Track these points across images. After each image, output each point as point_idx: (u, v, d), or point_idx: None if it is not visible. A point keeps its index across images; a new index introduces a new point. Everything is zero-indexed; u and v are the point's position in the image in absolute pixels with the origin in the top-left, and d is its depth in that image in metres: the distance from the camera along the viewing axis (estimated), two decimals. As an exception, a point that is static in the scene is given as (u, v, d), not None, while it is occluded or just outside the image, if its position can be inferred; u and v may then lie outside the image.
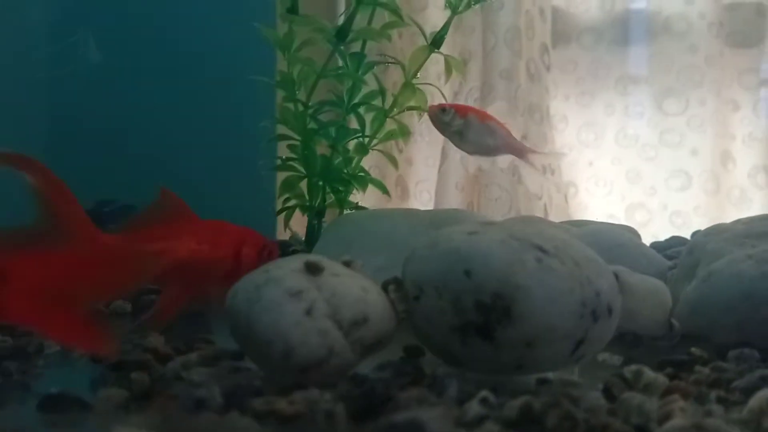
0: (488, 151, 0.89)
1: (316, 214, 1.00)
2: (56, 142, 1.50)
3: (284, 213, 1.02)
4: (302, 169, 0.99)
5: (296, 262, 0.62)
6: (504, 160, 1.84)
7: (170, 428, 0.46)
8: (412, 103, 1.00)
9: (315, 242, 0.99)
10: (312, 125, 0.96)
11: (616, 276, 0.73)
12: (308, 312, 0.59)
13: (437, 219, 0.91)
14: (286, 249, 1.02)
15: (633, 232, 1.29)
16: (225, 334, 0.75)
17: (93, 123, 1.47)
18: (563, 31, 2.09)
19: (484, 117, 0.90)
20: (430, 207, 1.99)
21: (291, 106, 0.96)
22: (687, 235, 1.96)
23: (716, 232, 0.84)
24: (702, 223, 1.98)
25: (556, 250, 0.60)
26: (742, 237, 0.79)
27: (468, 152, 0.91)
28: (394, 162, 1.03)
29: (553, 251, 0.60)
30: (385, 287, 0.66)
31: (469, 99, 1.97)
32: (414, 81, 1.00)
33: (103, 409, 0.53)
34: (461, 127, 0.88)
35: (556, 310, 0.58)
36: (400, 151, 2.05)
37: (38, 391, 0.58)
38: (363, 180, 1.00)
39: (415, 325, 0.64)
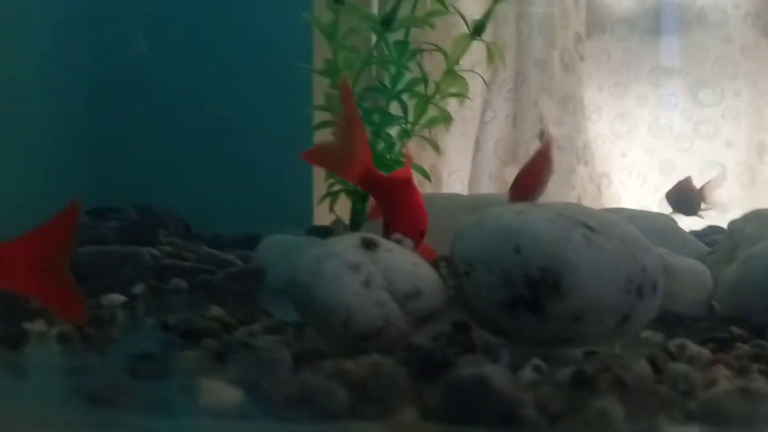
0: None
1: (359, 199, 1.04)
2: (99, 130, 1.53)
3: (328, 198, 1.06)
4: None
5: (353, 238, 0.66)
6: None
7: (249, 383, 0.50)
8: (453, 90, 1.03)
9: (359, 227, 1.03)
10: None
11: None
12: (366, 284, 0.62)
13: (476, 203, 0.94)
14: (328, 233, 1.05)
15: (670, 219, 1.31)
16: (280, 311, 0.80)
17: (134, 113, 1.50)
18: (597, 21, 2.09)
19: None
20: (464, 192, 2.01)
21: (336, 93, 0.99)
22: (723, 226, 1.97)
23: (755, 216, 0.86)
24: (737, 216, 1.98)
25: (602, 228, 0.63)
26: (782, 220, 0.81)
27: None
28: (436, 148, 1.06)
29: (599, 229, 0.63)
30: (435, 264, 0.69)
31: (502, 89, 1.98)
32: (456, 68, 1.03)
33: (184, 367, 0.58)
34: None
35: (603, 285, 0.61)
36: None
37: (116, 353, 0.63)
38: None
39: (465, 300, 0.67)
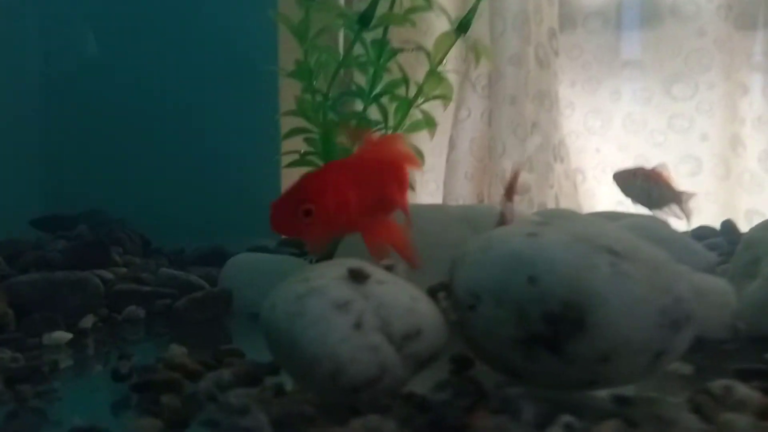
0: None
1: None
2: (54, 137, 1.43)
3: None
4: (320, 163, 0.93)
5: (337, 268, 0.56)
6: (515, 144, 1.80)
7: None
8: (437, 92, 0.94)
9: (338, 241, 0.93)
10: (331, 117, 0.90)
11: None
12: (357, 326, 0.53)
13: (470, 215, 0.85)
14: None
15: (662, 222, 1.25)
16: (251, 346, 0.70)
17: (91, 118, 1.39)
18: (569, 16, 2.04)
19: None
20: (438, 197, 1.94)
21: (309, 97, 0.89)
22: (699, 223, 1.93)
23: (772, 225, 0.79)
24: (713, 209, 1.95)
25: (628, 252, 0.55)
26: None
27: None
28: (419, 154, 0.97)
29: (625, 254, 0.54)
30: (432, 294, 0.60)
31: (476, 86, 1.92)
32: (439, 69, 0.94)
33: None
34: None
35: (634, 321, 0.52)
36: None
37: (58, 420, 0.52)
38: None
39: (469, 336, 0.58)
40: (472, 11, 0.96)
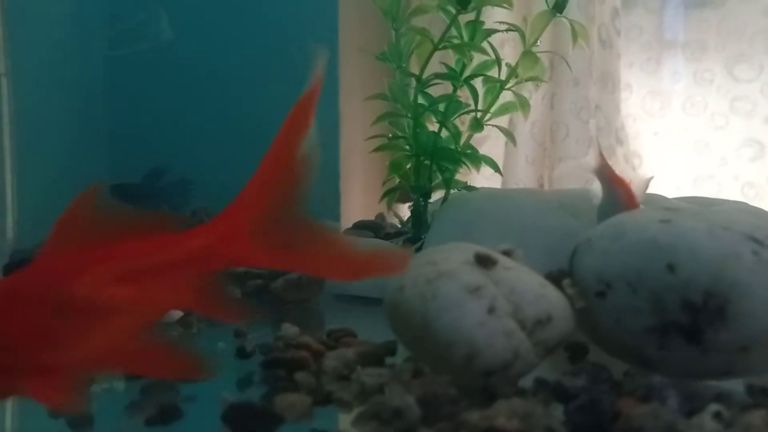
0: None
1: (423, 195, 0.94)
2: (123, 117, 1.44)
3: (387, 196, 0.96)
4: (407, 148, 0.92)
5: (462, 252, 0.56)
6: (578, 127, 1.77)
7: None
8: (532, 74, 0.93)
9: (423, 224, 0.93)
10: (421, 100, 0.89)
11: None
12: (491, 311, 0.53)
13: (567, 200, 0.84)
14: (395, 233, 0.96)
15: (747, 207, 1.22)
16: (357, 326, 0.70)
17: (155, 102, 1.40)
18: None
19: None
20: (496, 182, 1.92)
21: (398, 80, 0.89)
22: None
23: None
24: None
25: None
26: None
27: None
28: (511, 138, 0.95)
29: (766, 242, 0.53)
30: (554, 280, 0.59)
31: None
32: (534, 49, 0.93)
33: (295, 418, 0.48)
34: None
35: (776, 310, 0.51)
36: (462, 123, 1.98)
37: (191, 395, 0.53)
38: (475, 158, 0.93)
39: (595, 324, 0.58)
40: (567, -8, 0.94)
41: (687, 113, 2.00)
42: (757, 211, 0.88)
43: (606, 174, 0.84)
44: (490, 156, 1.93)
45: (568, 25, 0.92)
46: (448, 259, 0.55)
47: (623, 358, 0.59)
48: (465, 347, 0.52)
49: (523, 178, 1.86)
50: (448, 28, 0.86)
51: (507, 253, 0.61)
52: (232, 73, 1.41)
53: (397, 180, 0.94)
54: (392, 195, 0.95)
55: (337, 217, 1.36)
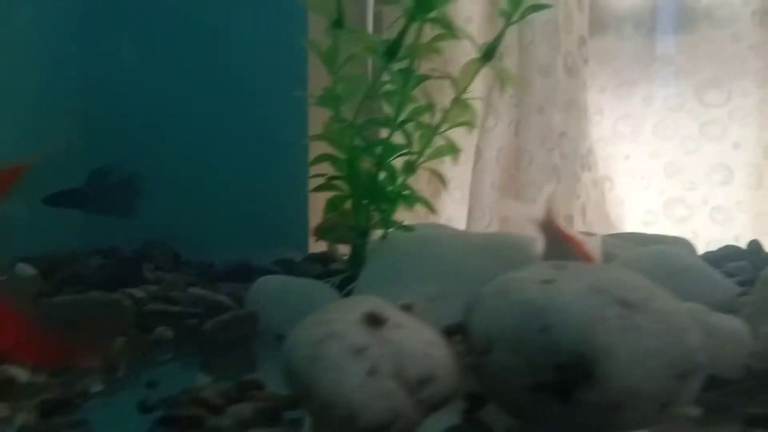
0: None
1: (360, 234, 0.96)
2: (87, 142, 1.46)
3: (322, 234, 0.98)
4: (346, 188, 0.95)
5: (356, 311, 0.58)
6: (542, 155, 1.80)
7: None
8: (462, 119, 0.95)
9: (361, 263, 0.95)
10: (357, 143, 0.92)
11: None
12: (371, 372, 0.55)
13: (491, 243, 0.86)
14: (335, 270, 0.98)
15: (686, 246, 1.24)
16: (274, 373, 0.72)
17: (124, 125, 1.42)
18: (600, 20, 2.02)
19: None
20: (463, 206, 1.94)
21: (336, 123, 0.92)
22: (730, 233, 1.91)
23: (793, 262, 0.78)
24: (744, 219, 1.93)
25: (642, 302, 0.56)
26: (823, 269, 0.74)
27: None
28: (442, 181, 0.98)
29: (638, 304, 0.56)
30: (448, 333, 0.62)
31: (505, 95, 1.92)
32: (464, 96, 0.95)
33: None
34: None
35: (643, 373, 0.54)
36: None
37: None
38: (410, 198, 0.95)
39: (484, 380, 0.60)
40: (498, 39, 0.97)
41: (658, 137, 2.02)
42: (671, 253, 0.90)
43: (552, 230, 0.85)
44: (459, 179, 1.97)
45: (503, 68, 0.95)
46: (339, 320, 0.58)
47: (509, 413, 0.61)
48: (344, 409, 0.54)
49: (489, 204, 1.89)
50: (378, 77, 0.89)
51: (407, 308, 0.64)
52: (205, 113, 1.44)
53: (333, 219, 0.96)
54: (328, 234, 0.97)
55: (305, 248, 1.39)
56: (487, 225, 1.88)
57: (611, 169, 2.07)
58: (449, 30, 0.89)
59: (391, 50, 0.85)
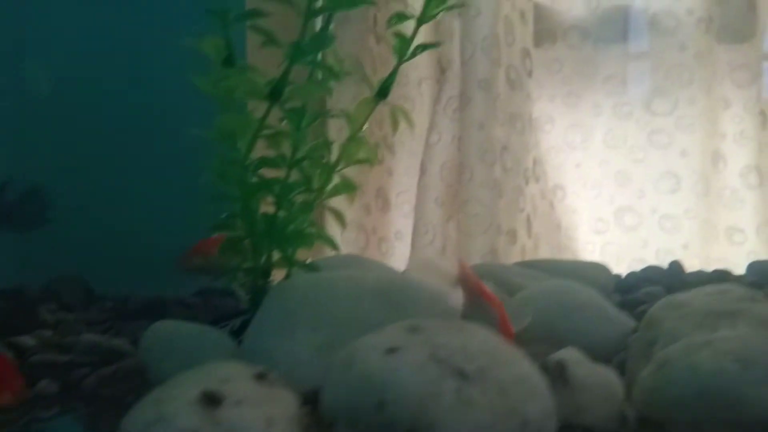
0: None
1: (261, 275, 0.95)
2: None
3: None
4: (243, 229, 0.93)
5: (194, 389, 0.57)
6: (483, 170, 1.79)
7: None
8: (360, 156, 0.94)
9: (258, 303, 0.94)
10: (253, 181, 0.91)
11: (563, 367, 0.68)
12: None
13: (383, 286, 0.85)
14: (232, 309, 0.96)
15: (602, 271, 1.24)
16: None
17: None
18: (548, 30, 2.02)
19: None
20: (411, 219, 1.93)
21: (228, 163, 0.90)
22: (679, 241, 1.91)
23: (676, 305, 0.78)
24: (692, 227, 1.93)
25: (481, 372, 0.55)
26: (701, 315, 0.73)
27: None
28: (341, 221, 0.97)
29: (475, 375, 0.55)
30: (306, 402, 0.60)
31: (447, 109, 1.91)
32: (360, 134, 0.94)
33: None
34: None
35: (477, 447, 0.53)
36: (381, 162, 1.99)
37: None
38: (309, 238, 0.94)
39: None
40: (390, 78, 0.95)
41: (608, 146, 2.02)
42: (568, 289, 0.90)
43: (470, 285, 0.84)
44: (408, 192, 1.96)
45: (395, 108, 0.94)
46: (174, 398, 0.56)
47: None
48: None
49: (433, 218, 1.88)
50: (264, 117, 0.88)
51: (261, 376, 0.62)
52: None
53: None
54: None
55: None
56: (431, 241, 1.88)
57: (563, 178, 2.07)
58: (331, 73, 0.88)
59: (273, 94, 0.83)
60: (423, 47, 0.93)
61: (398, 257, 1.97)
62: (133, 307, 1.15)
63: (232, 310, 1.00)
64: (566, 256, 2.02)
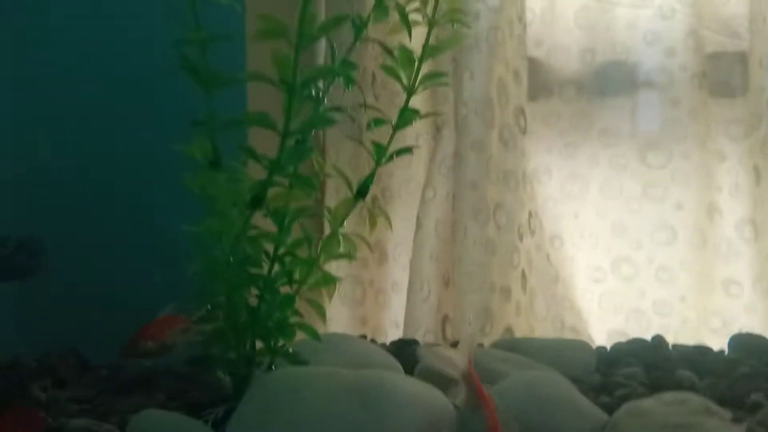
0: None
1: (244, 364, 0.99)
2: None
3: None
4: (227, 320, 0.98)
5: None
6: (476, 228, 1.82)
7: None
8: (337, 254, 0.98)
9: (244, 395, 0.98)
10: (235, 278, 0.95)
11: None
12: None
13: (359, 384, 0.89)
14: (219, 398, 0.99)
15: (584, 350, 1.26)
16: None
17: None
18: (544, 84, 2.06)
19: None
20: (408, 270, 1.96)
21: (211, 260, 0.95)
22: (675, 293, 1.92)
23: (638, 413, 0.81)
24: (688, 279, 1.95)
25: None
26: (660, 426, 0.76)
27: None
28: (321, 314, 1.01)
29: None
30: None
31: (442, 166, 1.94)
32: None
33: None
34: None
35: None
36: (379, 213, 2.02)
37: None
38: (290, 330, 0.98)
39: None
40: (370, 178, 1.00)
41: (604, 196, 2.05)
42: (541, 382, 0.92)
43: (471, 383, 0.86)
44: (405, 243, 1.99)
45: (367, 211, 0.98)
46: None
47: None
48: None
49: (428, 274, 1.91)
50: (245, 223, 0.92)
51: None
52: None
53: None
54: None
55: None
56: (427, 297, 1.91)
57: (560, 228, 2.10)
58: (306, 185, 0.92)
59: (255, 202, 0.87)
60: (399, 151, 0.97)
61: (395, 309, 2.00)
62: (126, 378, 1.18)
63: (216, 395, 1.03)
64: (564, 307, 2.04)
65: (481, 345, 1.43)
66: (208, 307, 0.98)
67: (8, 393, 1.02)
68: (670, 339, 2.02)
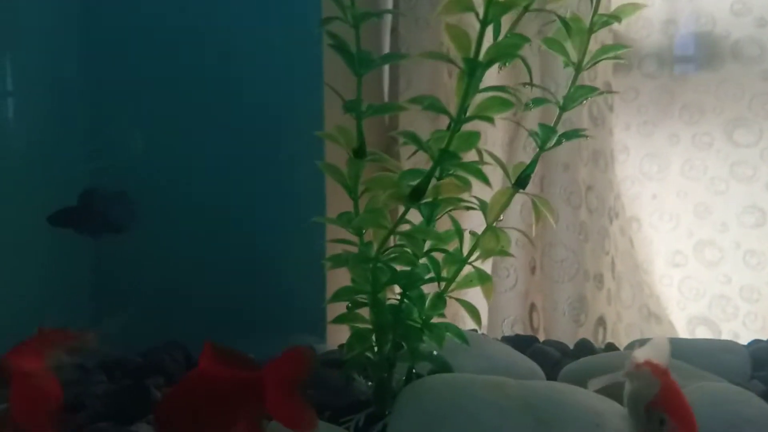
0: None
1: (387, 367, 0.90)
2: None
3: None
4: (370, 321, 0.89)
5: None
6: (568, 214, 1.72)
7: None
8: (496, 249, 0.89)
9: (386, 399, 0.90)
10: (381, 275, 0.86)
11: None
12: None
13: (529, 398, 0.80)
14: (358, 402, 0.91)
15: (737, 353, 1.15)
16: None
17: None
18: (624, 57, 1.95)
19: None
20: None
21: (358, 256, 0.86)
22: (765, 278, 1.83)
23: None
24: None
25: None
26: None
27: None
28: (475, 315, 0.92)
29: None
30: None
31: (527, 147, 1.84)
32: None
33: None
34: None
35: None
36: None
37: None
38: (438, 330, 0.89)
39: None
40: (531, 166, 0.90)
41: (686, 177, 1.95)
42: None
43: (672, 398, 0.72)
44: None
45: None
46: None
47: None
48: None
49: (514, 261, 1.82)
50: (401, 217, 0.83)
51: None
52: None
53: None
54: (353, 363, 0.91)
55: (323, 334, 1.32)
56: (513, 285, 1.82)
57: (638, 209, 2.01)
58: (477, 174, 0.83)
59: (415, 194, 0.78)
60: (567, 135, 0.89)
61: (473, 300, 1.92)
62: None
63: (352, 399, 0.95)
64: (644, 293, 1.95)
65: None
66: (348, 305, 0.89)
67: (128, 395, 0.95)
68: (759, 326, 1.92)
